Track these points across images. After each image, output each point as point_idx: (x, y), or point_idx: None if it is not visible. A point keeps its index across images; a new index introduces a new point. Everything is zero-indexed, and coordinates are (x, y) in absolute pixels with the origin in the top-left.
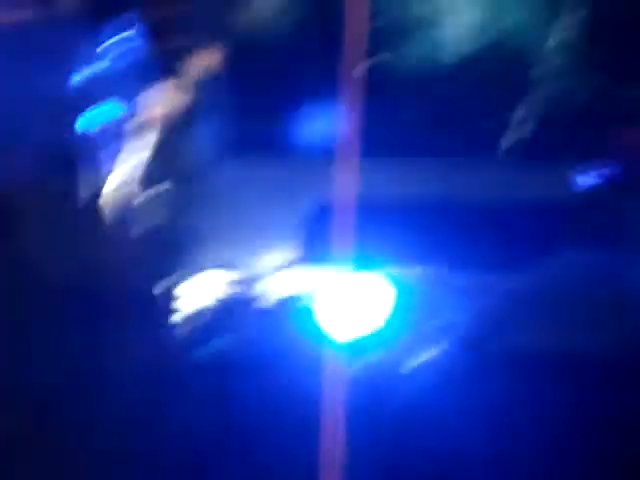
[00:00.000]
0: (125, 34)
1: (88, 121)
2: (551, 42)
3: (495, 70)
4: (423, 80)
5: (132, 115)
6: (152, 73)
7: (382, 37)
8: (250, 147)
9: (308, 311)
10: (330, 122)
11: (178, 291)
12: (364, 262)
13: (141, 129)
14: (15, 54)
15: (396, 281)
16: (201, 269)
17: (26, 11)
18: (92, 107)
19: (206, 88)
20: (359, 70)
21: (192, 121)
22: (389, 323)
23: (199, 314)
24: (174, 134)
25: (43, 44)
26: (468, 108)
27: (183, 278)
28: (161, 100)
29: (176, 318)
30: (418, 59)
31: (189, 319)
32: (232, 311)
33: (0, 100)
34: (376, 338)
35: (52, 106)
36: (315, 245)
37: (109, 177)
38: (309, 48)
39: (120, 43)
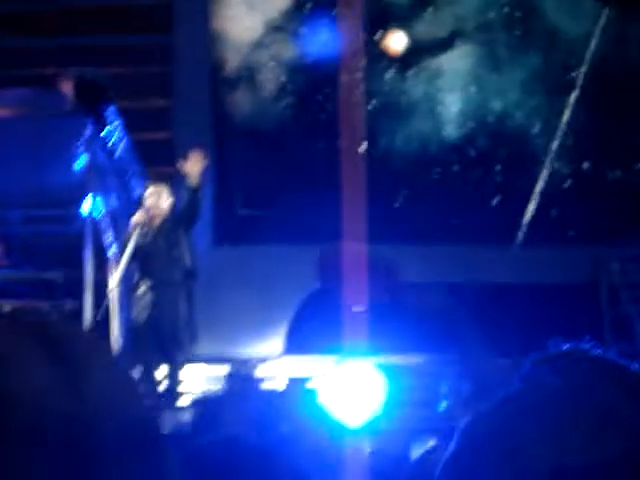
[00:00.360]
0: (109, 127)
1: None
2: (547, 123)
3: (491, 151)
4: (420, 163)
5: (118, 209)
6: (134, 166)
7: (379, 119)
8: (250, 233)
9: (313, 396)
10: (330, 206)
11: (181, 378)
12: (360, 350)
13: (128, 229)
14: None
15: (388, 370)
16: (201, 356)
17: (19, 107)
18: (82, 199)
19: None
20: (359, 153)
21: (179, 221)
22: (385, 410)
23: (205, 401)
24: (159, 235)
25: (36, 138)
26: (464, 192)
27: (183, 365)
28: (146, 203)
29: (183, 404)
30: (415, 141)
31: (195, 406)
32: (237, 396)
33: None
34: (375, 424)
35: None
36: (315, 332)
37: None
38: (307, 132)
39: (103, 136)
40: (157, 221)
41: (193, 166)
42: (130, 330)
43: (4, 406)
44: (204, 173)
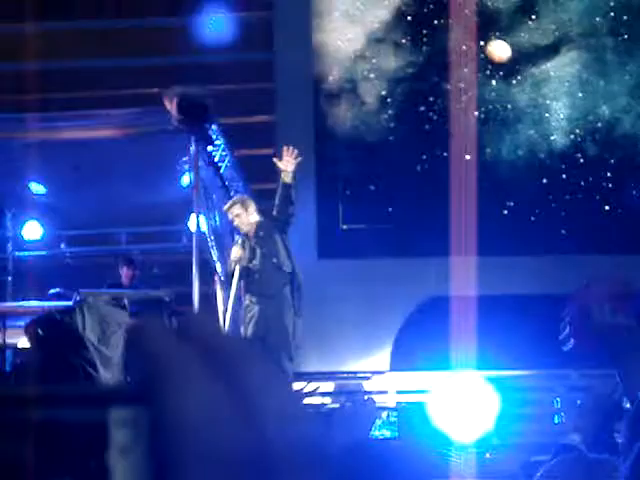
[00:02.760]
0: (213, 145)
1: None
2: None
3: (600, 158)
4: (528, 172)
5: (223, 226)
6: (239, 183)
7: (485, 128)
8: (355, 247)
9: (423, 411)
10: (436, 218)
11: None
12: (470, 364)
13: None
14: (119, 165)
15: (500, 384)
16: (308, 372)
17: (125, 127)
18: (188, 217)
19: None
20: (466, 163)
21: (275, 222)
22: (497, 427)
23: (314, 416)
24: (257, 246)
25: (145, 155)
26: (574, 200)
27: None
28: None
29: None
30: (522, 149)
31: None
32: (346, 412)
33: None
34: (487, 440)
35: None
36: (423, 346)
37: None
38: (410, 143)
39: (207, 153)
40: (250, 234)
41: (288, 163)
42: None
43: (179, 431)
44: (300, 171)
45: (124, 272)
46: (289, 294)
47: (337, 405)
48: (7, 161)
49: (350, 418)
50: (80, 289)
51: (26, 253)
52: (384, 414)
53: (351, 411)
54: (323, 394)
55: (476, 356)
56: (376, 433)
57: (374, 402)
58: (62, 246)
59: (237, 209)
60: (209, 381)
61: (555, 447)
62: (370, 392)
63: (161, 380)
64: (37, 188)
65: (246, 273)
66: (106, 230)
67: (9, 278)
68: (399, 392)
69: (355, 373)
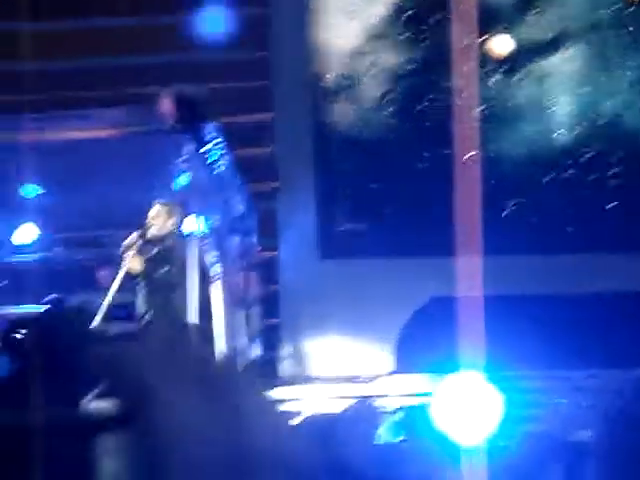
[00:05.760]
0: (208, 144)
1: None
2: None
3: (604, 154)
4: (533, 167)
5: (220, 227)
6: (236, 183)
7: (487, 125)
8: (355, 247)
9: (426, 414)
10: (438, 217)
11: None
12: (473, 365)
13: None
14: (115, 164)
15: (506, 387)
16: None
17: (119, 126)
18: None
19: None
20: (469, 161)
21: None
22: (501, 430)
23: (319, 420)
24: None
25: (140, 155)
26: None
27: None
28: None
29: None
30: (525, 146)
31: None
32: (350, 416)
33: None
34: (491, 443)
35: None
36: (426, 347)
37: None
38: (411, 141)
39: (203, 153)
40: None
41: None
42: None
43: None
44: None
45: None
46: None
47: (339, 411)
48: (1, 163)
49: (353, 424)
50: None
51: (18, 257)
52: (387, 418)
53: (354, 416)
54: (325, 399)
55: (479, 357)
56: (380, 438)
57: (376, 407)
58: (55, 249)
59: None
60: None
61: None
62: (373, 396)
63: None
64: (30, 190)
65: None
66: (101, 232)
67: (4, 282)
68: (402, 395)
69: (357, 377)
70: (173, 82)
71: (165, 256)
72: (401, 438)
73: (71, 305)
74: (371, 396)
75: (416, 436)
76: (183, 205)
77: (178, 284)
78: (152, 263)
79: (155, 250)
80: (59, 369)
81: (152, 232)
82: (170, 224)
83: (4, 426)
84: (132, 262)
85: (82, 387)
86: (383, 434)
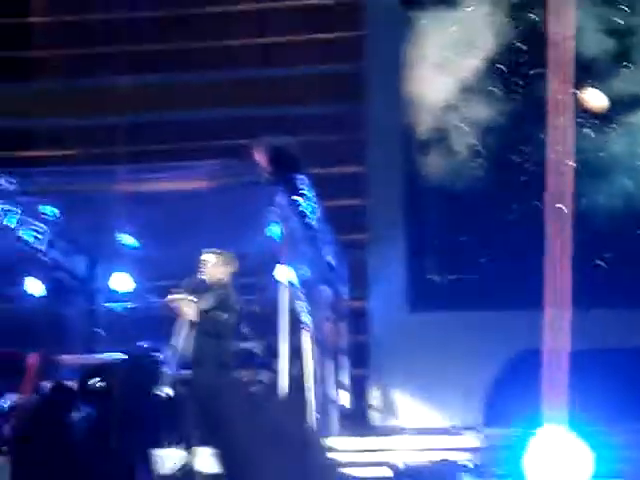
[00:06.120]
0: (300, 195)
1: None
2: None
3: None
4: (625, 221)
5: (311, 277)
6: (327, 234)
7: (581, 177)
8: (445, 299)
9: (517, 468)
10: (529, 270)
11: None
12: (563, 419)
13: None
14: (209, 215)
15: (596, 444)
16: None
17: (214, 178)
18: (276, 267)
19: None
20: (562, 214)
21: None
22: None
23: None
24: None
25: (234, 206)
26: None
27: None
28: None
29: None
30: (619, 198)
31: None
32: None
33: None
34: None
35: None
36: (516, 401)
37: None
38: (501, 194)
39: (296, 204)
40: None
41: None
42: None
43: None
44: (389, 222)
45: None
46: None
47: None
48: (99, 213)
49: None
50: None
51: (115, 304)
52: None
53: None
54: (412, 449)
55: (569, 412)
56: None
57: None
58: (151, 297)
59: (212, 264)
60: None
61: None
62: (460, 448)
63: None
64: (127, 240)
65: None
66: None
67: (99, 330)
68: (491, 448)
69: (444, 429)
70: (268, 134)
71: (219, 304)
72: None
73: (152, 353)
74: (458, 448)
75: None
76: (276, 254)
77: (230, 332)
78: (205, 311)
79: (209, 298)
80: (132, 416)
81: (205, 280)
82: (221, 273)
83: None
84: (187, 310)
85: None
86: None
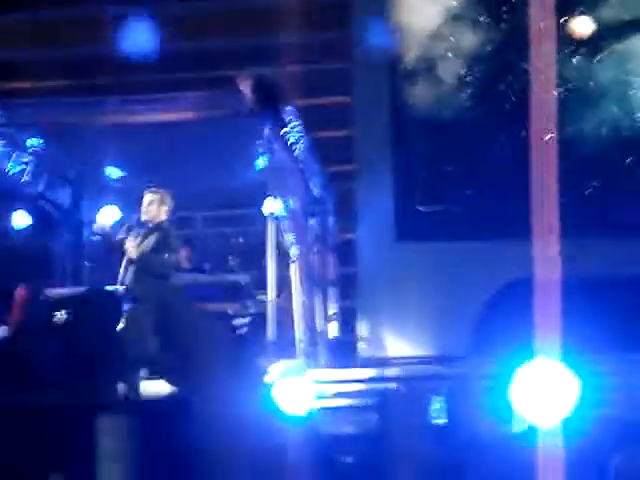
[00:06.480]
0: (288, 127)
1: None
2: None
3: None
4: (611, 150)
5: (298, 209)
6: (314, 165)
7: (568, 105)
8: (433, 229)
9: (503, 396)
10: (514, 199)
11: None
12: (551, 349)
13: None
14: (196, 147)
15: (582, 371)
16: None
17: (199, 110)
18: (263, 200)
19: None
20: (548, 142)
21: None
22: (576, 414)
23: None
24: None
25: (220, 138)
26: None
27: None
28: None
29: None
30: (606, 127)
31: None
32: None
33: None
34: (566, 426)
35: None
36: (502, 330)
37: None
38: (488, 123)
39: (282, 135)
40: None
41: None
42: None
43: None
44: (376, 152)
45: (183, 253)
46: None
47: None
48: (85, 146)
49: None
50: None
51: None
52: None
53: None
54: (399, 380)
55: (556, 341)
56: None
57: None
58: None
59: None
60: None
61: None
62: (449, 377)
63: None
64: (114, 172)
65: None
66: (181, 214)
67: (86, 263)
68: (478, 377)
69: (431, 358)
70: (252, 65)
71: (158, 243)
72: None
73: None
74: (446, 377)
75: (492, 418)
76: (263, 186)
77: (170, 272)
78: (146, 249)
79: (149, 237)
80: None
81: (145, 220)
82: (163, 212)
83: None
84: (130, 249)
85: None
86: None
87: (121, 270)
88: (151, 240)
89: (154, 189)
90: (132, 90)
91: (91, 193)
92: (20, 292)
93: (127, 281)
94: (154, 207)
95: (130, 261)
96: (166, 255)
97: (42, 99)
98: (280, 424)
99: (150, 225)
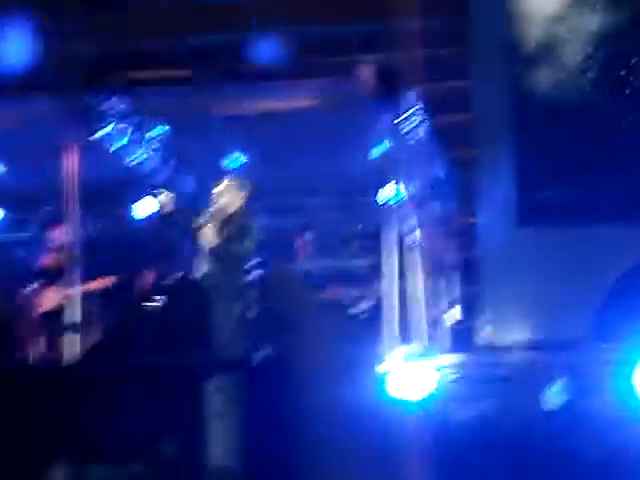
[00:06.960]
0: (408, 112)
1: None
2: None
3: None
4: None
5: (418, 195)
6: (435, 150)
7: None
8: (555, 214)
9: (628, 380)
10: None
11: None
12: None
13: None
14: (315, 134)
15: None
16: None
17: (319, 97)
18: (383, 186)
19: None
20: None
21: None
22: None
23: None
24: None
25: (335, 126)
26: None
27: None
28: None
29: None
30: None
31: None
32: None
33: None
34: None
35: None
36: (623, 317)
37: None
38: (612, 107)
39: (403, 122)
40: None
41: None
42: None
43: None
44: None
45: (299, 241)
46: None
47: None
48: (208, 133)
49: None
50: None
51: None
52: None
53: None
54: (511, 365)
55: None
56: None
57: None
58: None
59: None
60: None
61: None
62: (571, 363)
63: None
64: (237, 160)
65: None
66: (298, 200)
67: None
68: (602, 363)
69: (554, 344)
70: (371, 51)
71: (235, 230)
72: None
73: None
74: (570, 363)
75: (610, 399)
76: (382, 173)
77: (245, 259)
78: (223, 237)
79: (226, 225)
80: None
81: (220, 207)
82: (239, 199)
83: None
84: (207, 236)
85: None
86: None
87: (199, 257)
88: (231, 228)
89: (231, 176)
90: (252, 78)
91: (214, 181)
92: (145, 278)
93: (206, 269)
94: (230, 195)
95: (210, 249)
96: (243, 243)
97: (167, 87)
98: (397, 410)
99: (227, 212)
